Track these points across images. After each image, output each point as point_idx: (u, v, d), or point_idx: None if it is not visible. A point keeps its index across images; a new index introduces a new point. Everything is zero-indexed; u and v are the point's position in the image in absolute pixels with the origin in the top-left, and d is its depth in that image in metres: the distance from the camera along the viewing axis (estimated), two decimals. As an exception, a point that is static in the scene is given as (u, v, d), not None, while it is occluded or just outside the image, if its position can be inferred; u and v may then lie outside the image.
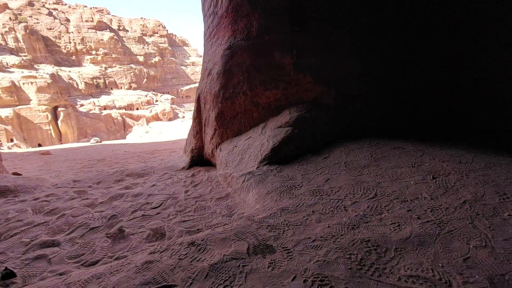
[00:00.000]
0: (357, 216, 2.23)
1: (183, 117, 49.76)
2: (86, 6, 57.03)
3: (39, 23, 49.65)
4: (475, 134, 3.96)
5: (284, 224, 2.24)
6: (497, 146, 3.58)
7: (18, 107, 37.00)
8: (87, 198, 4.16)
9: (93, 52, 53.59)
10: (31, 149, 19.17)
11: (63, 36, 51.57)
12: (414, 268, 1.58)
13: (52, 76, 41.10)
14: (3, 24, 44.08)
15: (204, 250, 1.94)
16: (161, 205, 3.70)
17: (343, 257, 1.72)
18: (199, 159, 5.98)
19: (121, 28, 60.88)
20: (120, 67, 54.72)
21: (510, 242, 1.72)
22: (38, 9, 50.26)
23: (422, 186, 2.61)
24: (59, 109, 39.22)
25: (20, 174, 6.38)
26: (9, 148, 26.60)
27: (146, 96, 52.60)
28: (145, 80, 57.46)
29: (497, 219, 1.95)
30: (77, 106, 43.94)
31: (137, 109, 49.53)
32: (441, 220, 2.02)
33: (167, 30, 68.63)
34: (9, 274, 2.27)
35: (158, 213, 3.42)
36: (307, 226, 2.16)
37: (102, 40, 54.20)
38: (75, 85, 47.93)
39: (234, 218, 2.99)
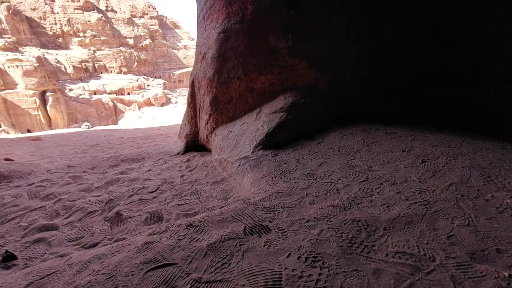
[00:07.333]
0: (348, 198, 2.32)
1: (176, 102, 49.04)
2: (71, -15, 54.27)
3: (22, 2, 47.25)
4: (467, 119, 4.07)
5: (279, 206, 2.32)
6: (488, 131, 3.70)
7: (4, 91, 35.80)
8: (83, 183, 4.17)
9: (81, 34, 51.57)
10: (20, 135, 18.77)
11: (48, 17, 49.32)
12: (401, 245, 1.68)
13: (39, 59, 39.61)
14: (-17, 4, 41.87)
15: (202, 231, 2.01)
16: (157, 189, 3.75)
17: (335, 235, 1.81)
18: (194, 144, 5.99)
19: (109, 9, 58.43)
20: (109, 50, 52.95)
21: (491, 221, 1.83)
22: (20, -13, 47.68)
23: (411, 169, 2.70)
24: (47, 93, 38.10)
25: (12, 160, 6.31)
26: (-3, 134, 25.97)
27: (137, 80, 51.38)
28: (136, 64, 55.92)
29: (481, 200, 2.07)
30: (66, 91, 42.73)
31: (128, 94, 48.49)
32: (428, 201, 2.13)
33: (157, 12, 66.20)
34: (10, 257, 2.32)
35: (155, 197, 3.48)
36: (301, 208, 2.25)
37: (89, 21, 52.08)
38: (63, 68, 46.38)
39: (230, 201, 3.07)
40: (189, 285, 1.50)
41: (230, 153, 4.29)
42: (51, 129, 35.07)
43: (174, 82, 61.75)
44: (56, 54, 47.44)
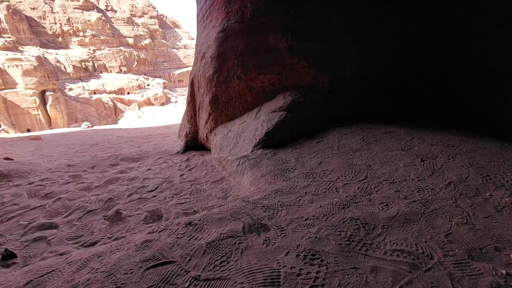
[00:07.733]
0: (347, 197, 2.33)
1: (176, 102, 49.03)
2: (71, -16, 54.19)
3: (21, 2, 47.24)
4: (467, 119, 4.07)
5: (278, 204, 2.32)
6: (488, 131, 3.71)
7: (4, 91, 35.79)
8: (82, 182, 4.18)
9: (80, 33, 51.57)
10: (20, 134, 18.77)
11: (47, 16, 49.31)
12: (399, 243, 1.69)
13: (38, 58, 39.58)
14: (-17, 3, 41.83)
15: (201, 229, 2.02)
16: (157, 188, 3.76)
17: (333, 234, 1.82)
18: (194, 144, 6.00)
19: (109, 8, 58.42)
20: (109, 50, 52.94)
21: (489, 219, 1.84)
22: (20, -14, 47.63)
23: (410, 168, 2.71)
24: (47, 93, 38.09)
25: (12, 159, 6.31)
26: (-3, 133, 25.96)
27: (137, 80, 51.36)
28: (136, 63, 55.91)
29: (479, 199, 2.07)
30: (65, 90, 42.71)
31: (128, 93, 48.47)
32: (426, 200, 2.13)
33: (157, 11, 66.19)
34: (10, 255, 2.32)
35: (154, 196, 3.48)
36: (300, 207, 2.25)
37: (89, 21, 52.07)
38: (62, 68, 46.37)
39: (229, 200, 3.08)
40: (188, 283, 1.50)
41: (229, 152, 4.29)
42: (51, 128, 35.06)
43: (174, 81, 61.72)
44: (56, 54, 47.43)
